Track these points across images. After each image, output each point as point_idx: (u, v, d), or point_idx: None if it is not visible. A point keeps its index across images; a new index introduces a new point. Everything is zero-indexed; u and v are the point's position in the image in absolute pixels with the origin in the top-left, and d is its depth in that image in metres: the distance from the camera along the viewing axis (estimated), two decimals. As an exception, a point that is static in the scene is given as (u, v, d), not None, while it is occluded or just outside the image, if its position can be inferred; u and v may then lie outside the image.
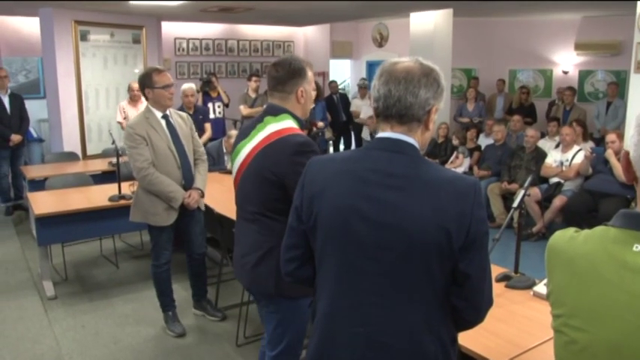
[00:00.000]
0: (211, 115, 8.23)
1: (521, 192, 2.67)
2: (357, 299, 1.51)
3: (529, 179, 2.81)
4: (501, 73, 10.71)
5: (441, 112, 7.83)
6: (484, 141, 7.79)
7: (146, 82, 3.70)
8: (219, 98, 8.52)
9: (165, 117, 3.79)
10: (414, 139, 1.52)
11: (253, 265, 2.36)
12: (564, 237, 1.25)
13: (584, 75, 10.45)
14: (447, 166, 7.50)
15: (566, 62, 10.56)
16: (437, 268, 1.44)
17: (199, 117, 7.15)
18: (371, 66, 12.35)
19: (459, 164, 7.46)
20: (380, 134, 1.56)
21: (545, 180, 6.52)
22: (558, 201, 6.05)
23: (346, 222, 1.50)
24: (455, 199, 1.43)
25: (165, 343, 3.89)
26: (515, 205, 2.65)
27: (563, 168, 6.33)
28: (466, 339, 2.15)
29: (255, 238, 2.37)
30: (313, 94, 2.47)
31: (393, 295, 1.47)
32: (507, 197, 6.57)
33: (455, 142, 7.67)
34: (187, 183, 3.85)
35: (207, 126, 7.12)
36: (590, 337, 1.15)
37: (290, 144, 2.23)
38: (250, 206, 2.38)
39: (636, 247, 1.10)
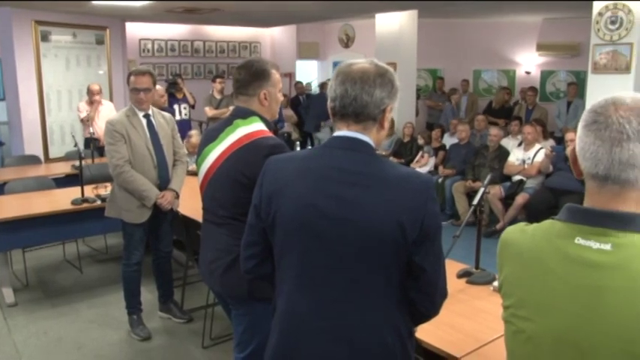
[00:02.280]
0: (177, 117, 8.16)
1: (481, 189, 2.72)
2: (317, 295, 1.54)
3: (488, 177, 2.87)
4: (466, 73, 10.88)
5: (406, 111, 7.89)
6: (449, 140, 7.90)
7: (127, 80, 3.81)
8: (184, 100, 8.45)
9: (146, 116, 3.82)
10: (369, 137, 1.56)
11: (225, 269, 2.33)
12: (515, 231, 1.28)
13: (545, 75, 10.69)
14: (413, 165, 7.59)
15: (529, 63, 10.79)
16: (393, 262, 1.48)
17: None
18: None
19: (425, 163, 7.55)
20: (337, 133, 1.59)
21: (508, 178, 6.64)
22: (521, 198, 6.17)
23: (305, 219, 1.53)
24: (409, 194, 1.47)
25: (130, 347, 3.84)
26: (474, 202, 2.69)
27: (525, 166, 6.46)
28: (427, 334, 2.19)
29: (225, 242, 2.35)
30: (281, 96, 2.48)
31: (352, 290, 1.51)
32: (472, 195, 6.66)
33: (420, 141, 7.76)
34: (163, 183, 3.85)
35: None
36: (535, 327, 1.18)
37: (262, 146, 2.22)
38: (221, 210, 2.36)
39: (578, 240, 1.13)
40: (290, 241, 1.58)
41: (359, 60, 1.60)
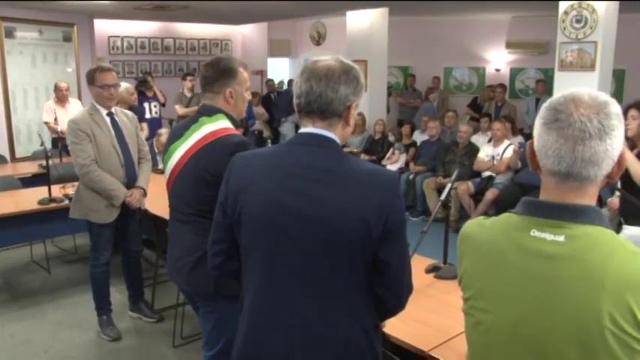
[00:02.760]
0: (147, 115, 8.07)
1: (448, 185, 2.75)
2: (284, 290, 1.54)
3: (455, 173, 2.91)
4: (436, 70, 10.97)
5: (377, 108, 7.93)
6: (419, 137, 7.97)
7: (89, 78, 3.70)
8: (155, 98, 8.37)
9: (110, 114, 3.77)
10: (334, 134, 1.57)
11: (191, 267, 2.33)
12: (473, 224, 1.31)
13: (514, 72, 10.85)
14: (384, 162, 7.63)
15: (498, 60, 10.94)
16: (359, 258, 1.49)
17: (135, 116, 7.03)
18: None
19: (395, 160, 7.60)
20: (302, 130, 1.60)
21: (478, 174, 6.73)
22: (490, 194, 6.26)
23: (271, 215, 1.53)
24: (374, 190, 1.49)
25: (99, 348, 3.80)
26: (442, 198, 2.73)
27: (495, 162, 6.55)
28: (395, 329, 2.21)
29: (191, 239, 2.34)
30: (248, 94, 2.47)
31: (317, 286, 1.52)
32: (440, 191, 6.74)
33: (391, 138, 7.81)
34: (130, 181, 3.81)
35: (144, 125, 6.99)
36: (493, 318, 1.21)
37: (227, 144, 2.21)
38: (186, 207, 2.36)
39: (533, 232, 1.16)
40: (256, 238, 1.58)
41: (324, 57, 1.61)
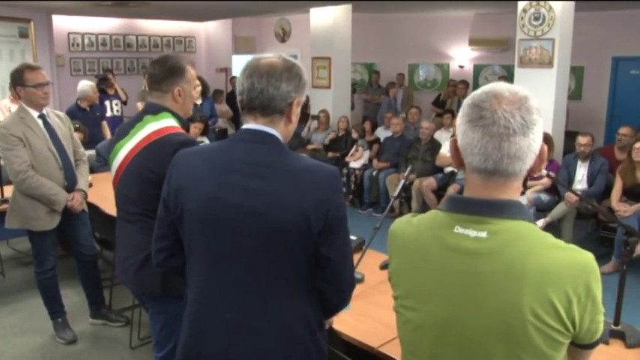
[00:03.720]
0: (108, 113, 7.97)
1: (401, 182, 2.76)
2: (226, 286, 1.55)
3: (408, 169, 2.92)
4: (401, 67, 11.04)
5: (341, 105, 7.93)
6: (383, 133, 8.00)
7: (17, 79, 3.48)
8: (116, 96, 8.26)
9: (42, 116, 3.59)
10: (276, 130, 1.58)
11: (138, 266, 2.30)
12: (401, 222, 1.31)
13: (478, 69, 10.98)
14: (347, 158, 7.65)
15: (462, 57, 11.06)
16: (300, 253, 1.51)
17: (96, 114, 6.91)
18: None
19: (359, 157, 7.62)
20: (244, 126, 1.61)
21: (441, 170, 6.79)
22: (452, 189, 6.31)
23: (212, 211, 1.54)
24: (314, 186, 1.50)
25: (54, 352, 3.72)
26: (395, 194, 2.73)
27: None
28: (347, 326, 2.22)
29: (137, 239, 2.31)
30: (196, 93, 2.44)
31: (260, 280, 1.53)
32: (406, 187, 6.78)
33: (354, 135, 7.82)
34: (70, 185, 3.69)
35: (104, 124, 6.89)
36: (421, 316, 1.22)
37: (171, 143, 2.18)
38: (131, 207, 2.33)
39: (457, 229, 1.17)
40: (197, 233, 1.58)
41: (268, 54, 1.62)
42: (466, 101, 1.19)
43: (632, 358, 2.08)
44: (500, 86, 1.17)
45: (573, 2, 6.35)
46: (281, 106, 1.56)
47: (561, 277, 1.09)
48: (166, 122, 2.28)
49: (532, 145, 1.15)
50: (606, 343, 2.15)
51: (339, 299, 1.65)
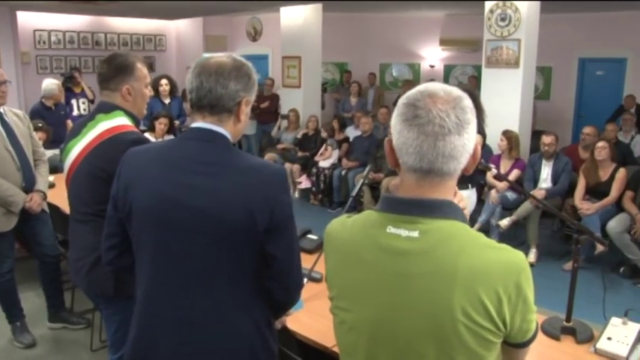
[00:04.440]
0: (75, 112, 7.86)
1: (361, 181, 2.76)
2: (173, 283, 1.56)
3: (367, 168, 2.92)
4: (373, 66, 11.08)
5: (311, 105, 7.91)
6: (353, 133, 8.02)
7: None
8: (83, 94, 8.14)
9: None
10: (224, 129, 1.59)
11: (90, 267, 2.28)
12: (336, 223, 1.31)
13: (448, 69, 11.07)
14: (317, 157, 7.64)
15: (433, 57, 11.15)
16: (245, 251, 1.52)
17: (61, 113, 6.81)
18: (246, 60, 12.28)
19: (328, 156, 7.63)
20: (193, 124, 1.62)
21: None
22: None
23: (159, 208, 1.54)
24: (260, 184, 1.51)
25: (12, 357, 3.64)
26: (354, 193, 2.72)
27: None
28: (301, 325, 2.21)
29: (89, 239, 2.28)
30: (148, 91, 2.42)
31: (206, 278, 1.54)
32: (375, 187, 6.81)
33: (323, 134, 7.82)
34: (28, 185, 3.59)
35: (69, 123, 6.78)
36: (355, 317, 1.21)
37: (123, 141, 2.15)
38: (83, 207, 2.30)
39: (389, 229, 1.16)
40: (145, 231, 1.59)
41: (218, 54, 1.65)
42: (401, 101, 1.19)
43: (583, 354, 2.11)
44: (435, 86, 1.17)
45: (539, 3, 6.43)
46: (229, 105, 1.57)
47: (492, 277, 1.09)
48: (119, 121, 2.26)
49: (467, 144, 1.16)
50: (558, 339, 2.18)
51: (287, 298, 1.66)
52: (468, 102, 1.17)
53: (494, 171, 2.21)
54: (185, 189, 1.51)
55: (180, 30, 11.85)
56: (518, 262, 1.12)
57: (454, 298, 1.08)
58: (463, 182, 3.89)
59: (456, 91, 1.17)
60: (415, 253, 1.13)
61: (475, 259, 1.10)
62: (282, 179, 1.57)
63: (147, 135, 5.67)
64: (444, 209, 1.16)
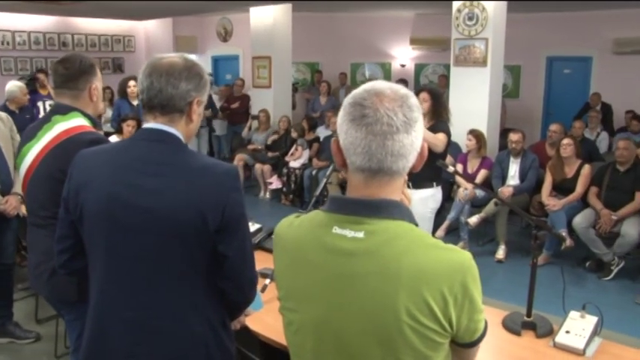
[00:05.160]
0: (42, 114, 7.69)
1: (324, 180, 2.76)
2: (126, 285, 1.55)
3: (330, 168, 2.91)
4: (344, 66, 11.10)
5: (282, 105, 7.87)
6: (323, 132, 8.02)
7: None
8: (49, 96, 7.97)
9: None
10: (176, 129, 1.59)
11: (51, 273, 2.22)
12: (284, 224, 1.30)
13: (419, 68, 11.14)
14: (287, 158, 7.61)
15: (403, 56, 11.21)
16: (198, 251, 1.52)
17: (26, 117, 6.66)
18: (217, 61, 12.23)
19: (299, 156, 7.61)
20: (144, 125, 1.62)
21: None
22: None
23: (109, 210, 1.54)
24: (211, 183, 1.52)
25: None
26: (316, 192, 2.72)
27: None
28: (264, 326, 2.19)
29: (48, 244, 2.23)
30: (101, 92, 2.41)
31: (158, 278, 1.53)
32: (344, 186, 6.80)
33: (293, 134, 7.80)
34: (5, 187, 3.52)
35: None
36: (301, 318, 1.21)
37: (80, 142, 2.12)
38: (42, 210, 2.27)
39: (335, 229, 1.15)
40: (96, 233, 1.58)
41: (170, 54, 1.64)
42: (347, 100, 1.17)
43: (542, 348, 2.13)
44: (381, 84, 1.16)
45: (505, 3, 6.50)
46: (180, 105, 1.57)
47: (437, 277, 1.08)
48: (76, 122, 2.24)
49: (414, 142, 1.15)
50: (518, 334, 2.20)
51: (241, 297, 1.67)
52: (414, 100, 1.16)
53: (451, 168, 2.22)
54: (135, 190, 1.51)
55: (149, 31, 11.72)
56: (463, 261, 1.12)
57: (398, 299, 1.07)
58: (428, 180, 3.92)
59: (403, 90, 1.16)
60: (360, 253, 1.12)
61: (420, 259, 1.10)
62: (234, 178, 1.57)
63: (115, 137, 5.61)
64: (391, 209, 1.14)
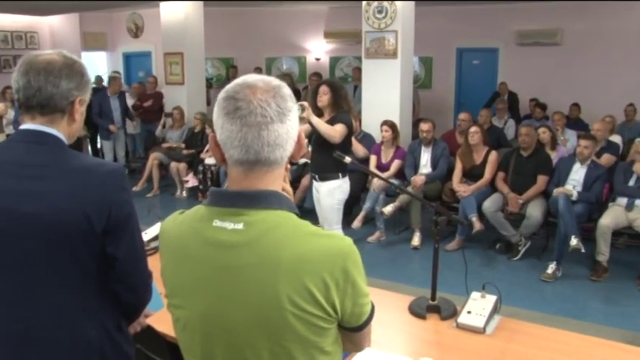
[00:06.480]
0: None
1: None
2: (6, 296, 1.47)
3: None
4: (259, 61, 11.03)
5: (196, 101, 7.71)
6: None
7: None
8: None
9: None
10: (57, 130, 1.52)
11: None
12: (169, 220, 1.29)
13: (334, 61, 11.23)
14: (202, 155, 7.48)
15: (318, 50, 11.27)
16: (85, 254, 1.47)
17: None
18: (128, 57, 11.86)
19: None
20: (22, 126, 1.54)
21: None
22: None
23: None
24: (95, 184, 1.47)
25: None
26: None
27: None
28: (170, 327, 2.11)
29: None
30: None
31: (44, 287, 1.46)
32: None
33: (208, 131, 7.66)
34: None
35: None
36: (187, 314, 1.19)
37: None
38: None
39: (215, 223, 1.15)
40: None
41: (47, 51, 1.57)
42: (220, 95, 1.17)
43: (446, 329, 2.20)
44: (253, 77, 1.17)
45: (412, -5, 6.65)
46: (62, 105, 1.51)
47: (317, 264, 1.10)
48: None
49: (290, 131, 1.16)
50: (424, 318, 2.26)
51: (136, 299, 1.62)
52: (287, 90, 1.18)
53: (347, 159, 2.24)
54: (13, 195, 1.43)
55: (54, 27, 11.17)
56: (343, 247, 1.14)
57: (280, 288, 1.08)
58: (334, 171, 3.97)
59: (275, 81, 1.18)
60: (240, 245, 1.12)
61: (299, 247, 1.11)
62: (119, 178, 1.52)
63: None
64: (270, 199, 1.15)
